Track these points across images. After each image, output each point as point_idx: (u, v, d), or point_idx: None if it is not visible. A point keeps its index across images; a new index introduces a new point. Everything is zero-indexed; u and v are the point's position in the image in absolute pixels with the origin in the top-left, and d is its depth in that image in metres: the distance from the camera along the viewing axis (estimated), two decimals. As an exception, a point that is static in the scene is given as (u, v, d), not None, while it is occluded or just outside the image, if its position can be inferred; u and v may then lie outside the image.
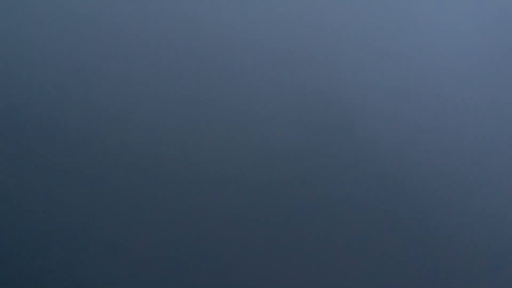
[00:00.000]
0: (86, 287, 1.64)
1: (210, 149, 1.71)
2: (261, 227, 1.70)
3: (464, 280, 1.74)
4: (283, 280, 1.70)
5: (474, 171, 1.77)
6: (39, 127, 1.70)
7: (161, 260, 1.67)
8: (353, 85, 1.76)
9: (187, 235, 1.68)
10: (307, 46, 1.76)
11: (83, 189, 1.68)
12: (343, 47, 1.77)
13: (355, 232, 1.72)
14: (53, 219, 1.67)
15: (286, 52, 1.75)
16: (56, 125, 1.70)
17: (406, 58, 1.79)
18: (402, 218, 1.73)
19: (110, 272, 1.65)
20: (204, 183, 1.70)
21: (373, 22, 1.79)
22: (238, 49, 1.75)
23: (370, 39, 1.78)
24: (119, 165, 1.69)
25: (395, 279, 1.72)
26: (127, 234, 1.67)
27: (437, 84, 1.80)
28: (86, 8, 1.73)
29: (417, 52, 1.79)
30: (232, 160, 1.71)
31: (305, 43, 1.76)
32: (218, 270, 1.68)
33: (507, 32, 1.81)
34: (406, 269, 1.73)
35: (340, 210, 1.72)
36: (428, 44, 1.80)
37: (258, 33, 1.75)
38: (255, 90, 1.74)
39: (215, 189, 1.70)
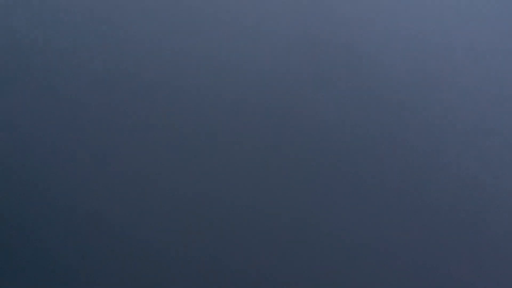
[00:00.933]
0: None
1: (211, 69, 1.71)
2: (258, 152, 1.68)
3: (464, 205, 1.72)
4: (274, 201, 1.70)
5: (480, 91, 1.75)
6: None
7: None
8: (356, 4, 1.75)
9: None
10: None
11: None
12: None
13: (356, 159, 1.71)
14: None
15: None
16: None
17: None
18: (404, 141, 1.71)
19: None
20: (204, 104, 1.69)
21: None
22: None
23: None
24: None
25: (387, 200, 1.71)
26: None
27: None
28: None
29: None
30: (232, 81, 1.70)
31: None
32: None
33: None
34: (401, 189, 1.70)
35: (339, 131, 1.71)
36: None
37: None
38: (257, 9, 1.73)
39: (215, 109, 1.69)
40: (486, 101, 1.77)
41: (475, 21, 1.79)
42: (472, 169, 1.72)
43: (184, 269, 1.64)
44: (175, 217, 1.67)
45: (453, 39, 1.78)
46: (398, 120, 1.71)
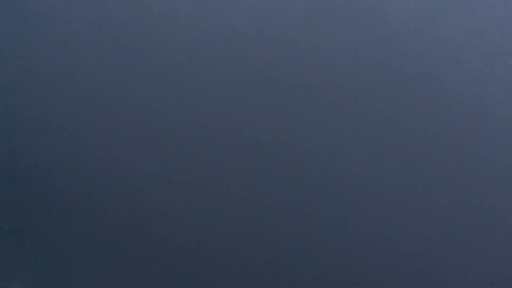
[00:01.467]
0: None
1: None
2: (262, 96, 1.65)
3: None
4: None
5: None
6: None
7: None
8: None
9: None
10: None
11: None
12: None
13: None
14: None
15: None
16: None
17: None
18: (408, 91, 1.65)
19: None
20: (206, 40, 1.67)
21: None
22: None
23: None
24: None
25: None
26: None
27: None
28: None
29: None
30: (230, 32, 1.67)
31: None
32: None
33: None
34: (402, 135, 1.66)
35: (344, 79, 1.65)
36: None
37: None
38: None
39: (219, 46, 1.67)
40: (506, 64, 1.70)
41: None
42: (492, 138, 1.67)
43: (184, 268, 1.66)
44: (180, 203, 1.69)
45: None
46: (406, 86, 1.66)
